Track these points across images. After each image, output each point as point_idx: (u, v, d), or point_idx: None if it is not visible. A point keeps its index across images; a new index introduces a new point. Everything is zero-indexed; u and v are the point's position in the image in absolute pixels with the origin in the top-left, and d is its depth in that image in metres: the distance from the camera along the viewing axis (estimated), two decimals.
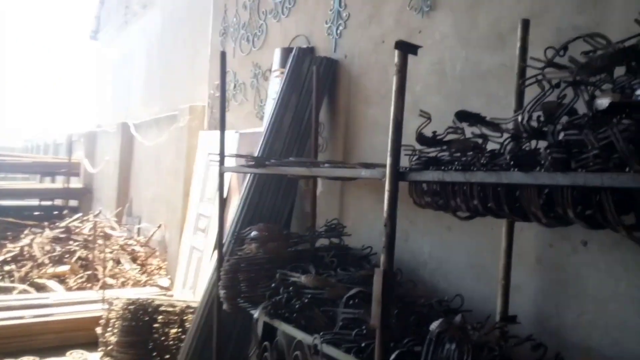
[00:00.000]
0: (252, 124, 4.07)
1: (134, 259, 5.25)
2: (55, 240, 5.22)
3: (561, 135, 1.23)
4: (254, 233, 2.34)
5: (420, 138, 1.44)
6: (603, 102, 1.13)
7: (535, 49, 1.84)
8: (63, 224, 6.03)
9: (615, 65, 1.14)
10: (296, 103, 2.96)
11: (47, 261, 4.77)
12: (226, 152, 4.21)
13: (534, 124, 1.33)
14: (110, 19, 11.35)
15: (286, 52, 3.30)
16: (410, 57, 2.55)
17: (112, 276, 4.61)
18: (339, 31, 3.07)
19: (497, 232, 1.97)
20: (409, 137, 2.51)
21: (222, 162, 2.67)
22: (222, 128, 2.70)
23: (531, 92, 1.85)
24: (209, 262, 3.93)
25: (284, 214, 2.92)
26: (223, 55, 2.76)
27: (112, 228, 5.95)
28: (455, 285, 2.18)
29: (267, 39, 3.96)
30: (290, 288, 1.90)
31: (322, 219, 2.87)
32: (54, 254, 4.91)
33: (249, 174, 2.91)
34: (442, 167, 1.40)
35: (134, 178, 7.58)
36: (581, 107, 1.29)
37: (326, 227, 2.53)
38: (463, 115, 1.35)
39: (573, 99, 1.28)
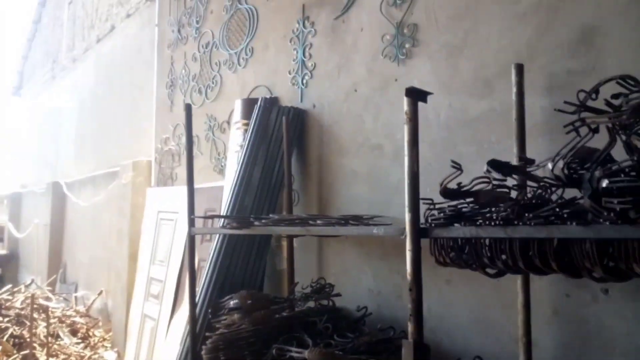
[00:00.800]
0: (208, 179, 3.84)
1: (74, 332, 4.71)
2: None
3: (604, 183, 1.15)
4: (234, 301, 2.10)
5: (445, 190, 1.31)
6: None
7: (526, 94, 1.82)
8: None
9: None
10: (265, 155, 2.79)
11: None
12: (178, 209, 3.94)
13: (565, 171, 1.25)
14: (35, 74, 10.77)
15: (248, 102, 3.15)
16: (389, 105, 2.49)
17: (51, 354, 4.07)
18: (304, 81, 2.98)
19: (502, 284, 1.87)
20: (391, 187, 2.42)
21: (192, 223, 2.43)
22: (191, 185, 2.48)
23: (531, 138, 1.83)
24: (166, 333, 3.56)
25: (258, 276, 2.69)
26: (189, 107, 2.57)
27: (48, 298, 5.35)
28: (461, 343, 2.04)
29: (222, 90, 3.80)
30: None
31: (299, 277, 2.67)
32: None
33: (217, 234, 2.67)
34: (477, 222, 1.28)
35: (67, 241, 6.98)
36: (616, 154, 1.23)
37: (312, 287, 2.33)
38: (495, 165, 1.25)
39: (610, 143, 1.21)
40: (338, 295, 2.32)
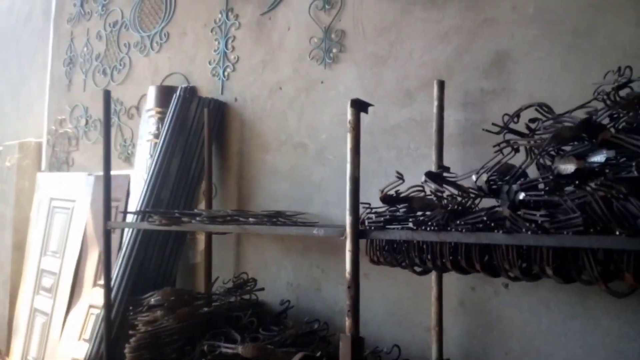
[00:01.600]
0: (112, 166, 3.63)
1: None
2: None
3: (521, 196, 1.33)
4: (156, 298, 2.06)
5: (385, 197, 1.43)
6: (568, 167, 1.26)
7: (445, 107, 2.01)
8: None
9: (579, 135, 1.28)
10: (183, 147, 2.74)
11: None
12: (75, 197, 3.70)
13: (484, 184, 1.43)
14: None
15: (164, 90, 3.06)
16: (313, 106, 2.58)
17: None
18: (226, 73, 2.96)
19: (415, 278, 2.04)
20: (313, 185, 2.52)
21: (108, 215, 2.32)
22: (107, 173, 2.37)
23: (446, 148, 2.01)
24: (61, 329, 3.34)
25: (173, 271, 2.64)
26: (107, 94, 2.43)
27: None
28: (376, 333, 2.19)
29: (131, 73, 3.63)
30: None
31: (215, 272, 2.67)
32: None
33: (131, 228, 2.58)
34: (409, 225, 1.41)
35: None
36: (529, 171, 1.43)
37: (233, 282, 2.35)
38: (431, 176, 1.39)
39: (524, 162, 1.41)
40: (261, 289, 2.37)
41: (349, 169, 1.53)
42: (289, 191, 2.60)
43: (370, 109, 2.32)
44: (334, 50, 2.48)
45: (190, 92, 2.92)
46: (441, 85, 1.98)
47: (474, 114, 2.02)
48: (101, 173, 3.61)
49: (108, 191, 2.41)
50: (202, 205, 2.84)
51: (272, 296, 2.48)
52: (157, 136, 2.95)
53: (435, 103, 1.97)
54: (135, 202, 2.86)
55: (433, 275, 1.89)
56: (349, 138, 1.55)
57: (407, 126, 2.21)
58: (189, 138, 2.76)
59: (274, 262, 2.59)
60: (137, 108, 3.50)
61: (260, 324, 2.05)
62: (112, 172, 3.53)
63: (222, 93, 2.96)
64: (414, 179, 1.65)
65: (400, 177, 1.43)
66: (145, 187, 2.63)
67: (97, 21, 3.94)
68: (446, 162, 1.92)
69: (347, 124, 1.56)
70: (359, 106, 1.56)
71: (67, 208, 3.74)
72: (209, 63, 3.05)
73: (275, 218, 1.97)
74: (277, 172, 2.66)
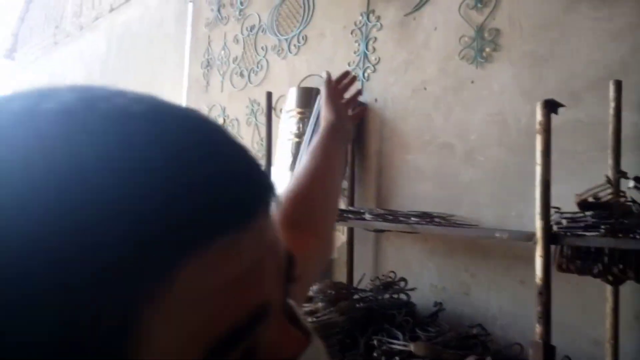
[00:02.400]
0: None
1: None
2: None
3: None
4: (315, 289, 2.15)
5: (584, 202, 1.39)
6: None
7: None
8: None
9: None
10: None
11: None
12: None
13: None
14: (33, 38, 10.48)
15: (305, 92, 3.17)
16: (463, 106, 2.55)
17: None
18: (366, 74, 3.01)
19: (581, 287, 1.98)
20: (461, 187, 2.49)
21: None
22: (268, 169, 2.50)
23: (627, 152, 1.91)
24: None
25: None
26: (269, 96, 2.58)
27: None
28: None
29: (268, 75, 3.80)
30: (396, 357, 1.74)
31: (354, 269, 2.74)
32: None
33: None
34: (613, 234, 1.35)
35: None
36: None
37: (380, 280, 2.39)
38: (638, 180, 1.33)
39: None
40: (412, 289, 2.39)
41: (539, 171, 1.51)
42: (432, 192, 2.59)
43: (528, 109, 2.28)
44: (487, 50, 2.44)
45: None
46: (618, 85, 1.88)
47: None
48: None
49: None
50: (341, 204, 2.93)
51: (416, 297, 2.49)
52: (297, 135, 3.08)
53: (612, 104, 1.88)
54: None
55: (608, 287, 1.81)
56: (539, 140, 1.53)
57: (571, 128, 2.12)
58: None
59: (417, 263, 2.60)
60: (274, 108, 3.66)
61: (415, 324, 2.07)
62: None
63: (361, 94, 3.01)
64: (581, 183, 1.60)
65: (609, 180, 1.38)
66: None
67: (234, 25, 4.17)
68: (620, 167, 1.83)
69: (537, 125, 1.54)
70: (550, 107, 1.52)
71: None
72: (348, 64, 3.12)
73: (429, 218, 1.98)
74: (419, 173, 2.66)
